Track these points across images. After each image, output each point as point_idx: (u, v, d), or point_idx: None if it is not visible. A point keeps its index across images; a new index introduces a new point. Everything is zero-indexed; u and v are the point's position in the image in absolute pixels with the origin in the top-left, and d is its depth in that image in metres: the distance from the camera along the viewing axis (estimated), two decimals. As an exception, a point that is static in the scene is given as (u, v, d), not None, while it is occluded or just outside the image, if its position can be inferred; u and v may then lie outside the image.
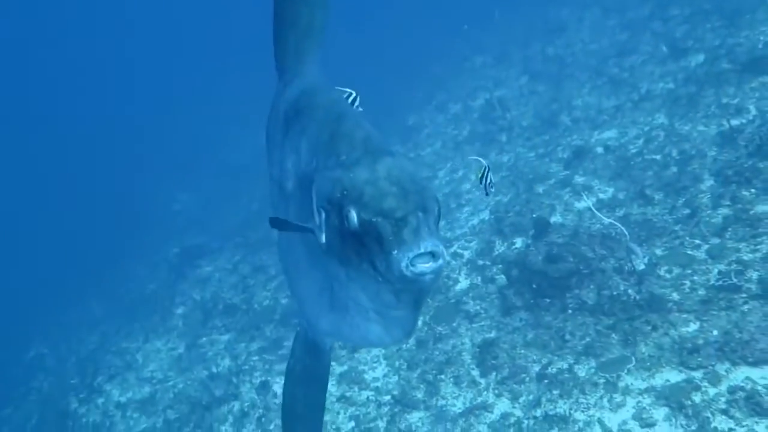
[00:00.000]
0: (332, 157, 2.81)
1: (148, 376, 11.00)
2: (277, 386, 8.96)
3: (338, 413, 7.85)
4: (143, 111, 32.47)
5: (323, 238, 2.77)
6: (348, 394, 8.00)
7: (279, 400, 8.60)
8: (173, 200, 22.03)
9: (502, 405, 6.77)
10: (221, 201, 19.56)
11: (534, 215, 9.24)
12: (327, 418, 7.82)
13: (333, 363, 8.82)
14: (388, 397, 7.65)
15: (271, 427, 8.20)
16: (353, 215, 2.52)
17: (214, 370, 10.02)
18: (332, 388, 8.39)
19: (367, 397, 7.86)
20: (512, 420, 6.51)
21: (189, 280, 14.32)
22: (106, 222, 20.77)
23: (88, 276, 17.87)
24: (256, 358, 9.92)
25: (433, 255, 2.42)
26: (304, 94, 3.46)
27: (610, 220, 7.49)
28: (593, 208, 8.15)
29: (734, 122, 8.90)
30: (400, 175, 2.59)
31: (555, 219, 9.07)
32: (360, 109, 3.37)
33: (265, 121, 4.05)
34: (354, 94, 3.43)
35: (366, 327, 2.99)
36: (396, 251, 2.42)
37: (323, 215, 2.75)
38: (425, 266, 2.41)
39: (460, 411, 6.96)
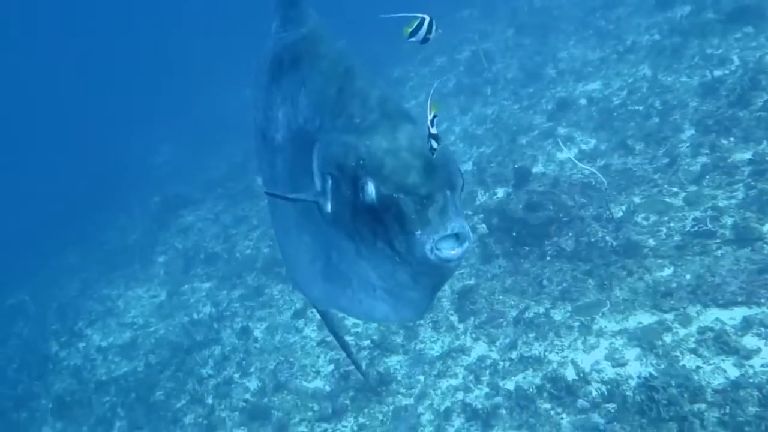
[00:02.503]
0: (342, 118, 2.53)
1: (129, 321, 11.04)
2: (258, 332, 9.05)
3: (318, 357, 7.95)
4: (129, 63, 31.80)
5: (329, 207, 2.53)
6: (329, 338, 8.09)
7: (259, 345, 8.72)
8: (155, 152, 21.78)
9: (479, 348, 6.89)
10: (204, 152, 19.38)
11: (516, 165, 9.25)
12: (306, 361, 7.94)
13: (314, 309, 8.92)
14: (367, 342, 7.75)
15: (251, 370, 8.30)
16: (371, 188, 2.26)
17: (196, 316, 10.07)
18: (312, 333, 8.50)
19: (347, 341, 7.95)
20: (488, 362, 6.64)
21: (170, 229, 14.27)
22: (87, 173, 20.56)
23: (69, 226, 17.75)
24: (237, 304, 9.97)
25: (457, 237, 2.20)
26: (305, 40, 3.08)
27: (592, 169, 7.50)
28: (572, 158, 8.16)
29: (717, 73, 8.91)
30: (424, 145, 2.27)
31: (537, 169, 9.10)
32: (440, 31, 2.79)
33: (253, 62, 3.72)
34: (429, 19, 2.83)
35: (371, 304, 2.72)
36: (419, 232, 2.19)
37: (330, 182, 2.49)
38: (451, 253, 2.18)
39: (437, 354, 7.08)
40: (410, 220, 2.20)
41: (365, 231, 2.39)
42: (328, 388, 7.36)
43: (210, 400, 8.10)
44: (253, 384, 8.05)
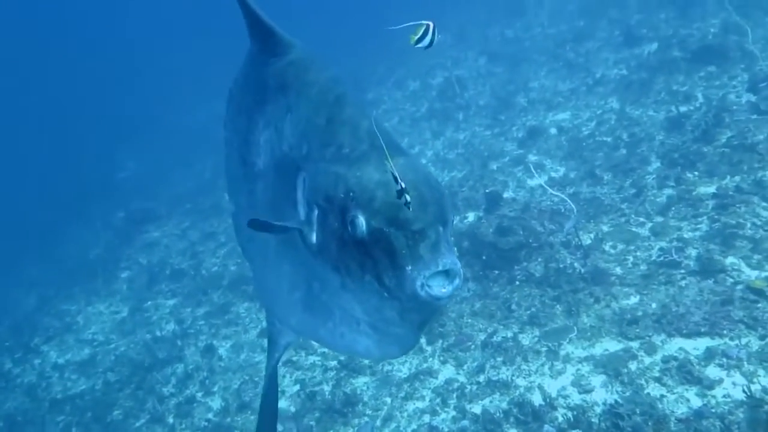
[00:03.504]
0: (331, 147, 2.46)
1: (88, 338, 10.73)
2: (223, 350, 8.89)
3: (284, 377, 7.83)
4: (95, 75, 31.33)
5: (314, 238, 2.47)
6: (295, 358, 7.99)
7: (224, 363, 8.56)
8: (120, 166, 21.39)
9: (447, 371, 6.88)
10: (171, 167, 19.14)
11: (487, 190, 9.35)
12: (272, 381, 7.80)
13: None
14: (334, 362, 7.67)
15: (215, 389, 8.12)
16: (361, 222, 2.22)
17: (159, 333, 9.85)
18: (279, 353, 8.36)
19: (314, 362, 7.87)
20: (456, 385, 6.62)
21: (135, 244, 14.00)
22: (48, 185, 20.08)
23: (27, 241, 17.22)
24: (202, 322, 9.79)
25: (448, 273, 2.16)
26: (293, 65, 2.96)
27: (562, 196, 7.63)
28: (544, 184, 8.29)
29: (682, 108, 9.19)
30: (415, 179, 2.23)
31: (507, 195, 9.22)
32: (439, 36, 2.73)
33: (231, 82, 3.57)
34: (432, 26, 2.93)
35: (353, 338, 2.66)
36: (410, 267, 2.14)
37: (317, 212, 2.43)
38: (442, 291, 2.14)
39: (405, 376, 7.04)
40: (401, 255, 2.16)
41: (352, 264, 2.33)
42: (293, 409, 7.24)
43: (171, 420, 7.89)
44: (216, 403, 7.87)
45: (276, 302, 3.21)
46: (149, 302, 11.17)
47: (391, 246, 2.18)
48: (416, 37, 2.59)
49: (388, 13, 23.58)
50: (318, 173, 2.47)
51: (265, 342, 8.59)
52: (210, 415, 7.72)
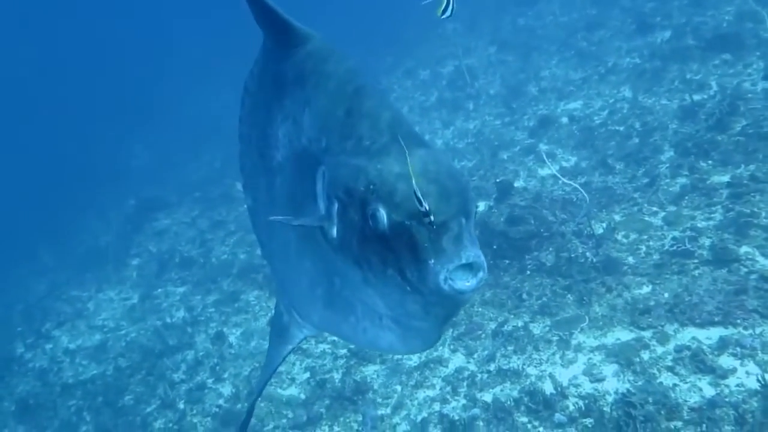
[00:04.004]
0: (351, 140, 2.40)
1: (99, 324, 10.79)
2: (233, 337, 8.92)
3: (293, 364, 7.85)
4: (111, 63, 31.34)
5: (334, 232, 2.43)
6: (305, 346, 8.00)
7: (234, 351, 8.59)
8: (132, 154, 21.48)
9: (457, 360, 6.87)
10: (182, 157, 19.19)
11: (498, 180, 9.30)
12: (282, 368, 7.82)
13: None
14: (344, 351, 7.68)
15: (225, 375, 8.16)
16: (382, 215, 2.16)
17: (169, 320, 9.90)
18: (289, 340, 8.39)
19: (323, 350, 7.88)
20: (466, 374, 6.62)
21: (145, 232, 14.06)
22: (61, 173, 20.17)
23: (40, 228, 17.32)
24: (212, 309, 9.83)
25: (471, 266, 2.09)
26: (311, 57, 2.89)
27: (575, 185, 7.58)
28: (556, 172, 8.24)
29: (696, 97, 9.09)
30: (438, 170, 2.19)
31: (518, 184, 9.16)
32: (455, 6, 2.65)
33: (246, 76, 3.49)
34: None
35: (376, 333, 2.60)
36: (433, 261, 2.08)
37: (337, 206, 2.38)
38: (466, 284, 2.07)
39: (415, 365, 7.04)
40: (423, 248, 2.10)
41: (374, 258, 2.28)
42: (303, 396, 7.27)
43: (181, 405, 7.94)
44: (226, 390, 7.91)
45: (297, 298, 3.16)
46: (159, 290, 11.22)
47: (412, 239, 2.12)
48: (441, 9, 2.61)
49: (398, 3, 23.50)
50: (338, 166, 2.41)
51: (276, 329, 8.66)
52: (221, 402, 7.77)
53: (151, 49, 31.32)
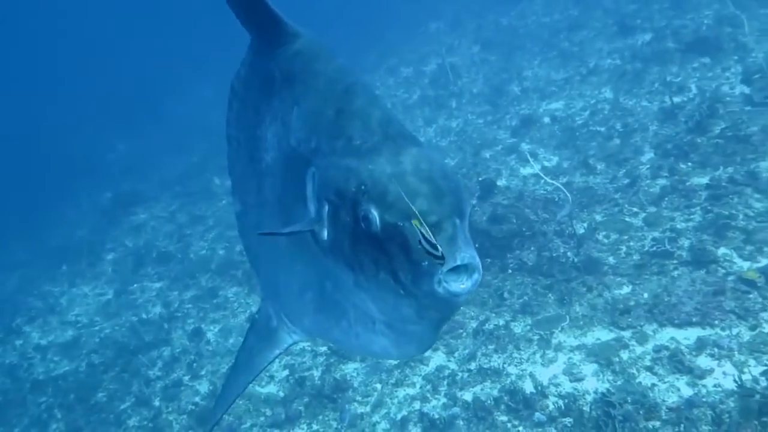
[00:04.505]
0: (341, 140, 2.34)
1: (72, 320, 10.60)
2: (211, 334, 8.81)
3: (272, 362, 7.76)
4: (90, 56, 30.85)
5: (325, 235, 2.36)
6: (283, 343, 7.91)
7: (212, 347, 8.48)
8: (109, 147, 21.15)
9: (438, 358, 6.84)
10: (160, 151, 18.94)
11: (480, 178, 9.29)
12: (261, 365, 7.73)
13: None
14: (324, 348, 7.62)
15: (203, 372, 8.05)
16: (374, 216, 2.10)
17: (145, 316, 9.74)
18: (267, 337, 8.29)
19: (303, 348, 7.80)
20: (447, 372, 6.60)
21: (122, 226, 13.84)
22: (35, 166, 19.79)
23: (11, 221, 16.98)
24: (189, 305, 9.70)
25: (466, 268, 2.03)
26: (300, 56, 2.82)
27: (558, 184, 7.59)
28: (539, 171, 8.25)
29: (676, 99, 9.17)
30: (430, 170, 2.13)
31: (500, 183, 9.16)
32: None
33: (233, 77, 3.38)
34: None
35: (369, 338, 2.56)
36: (426, 263, 2.03)
37: (327, 208, 2.32)
38: (461, 287, 2.02)
39: (395, 363, 6.99)
40: (416, 250, 2.03)
41: (366, 261, 2.22)
42: (282, 394, 7.19)
43: (157, 403, 7.81)
44: (203, 387, 7.80)
45: (287, 303, 3.09)
46: (135, 285, 11.05)
47: (405, 241, 2.06)
48: None
49: (382, 2, 23.48)
50: (328, 167, 2.35)
51: (254, 326, 8.56)
52: (197, 399, 7.66)
53: (133, 45, 30.89)
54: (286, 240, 2.76)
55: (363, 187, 2.15)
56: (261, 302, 3.54)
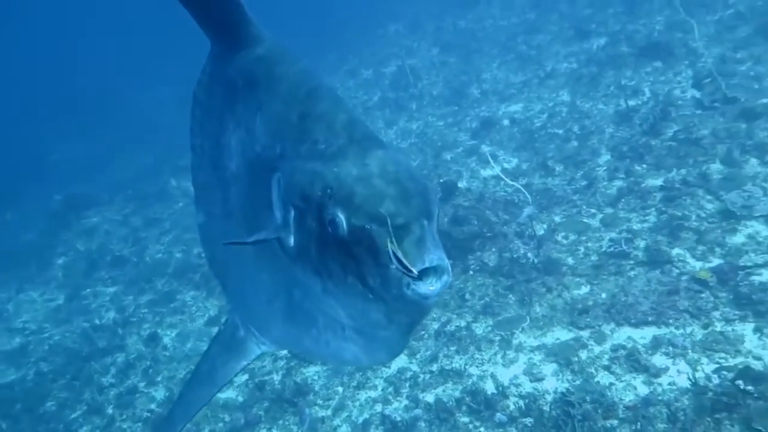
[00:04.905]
0: (305, 144, 2.30)
1: (19, 326, 10.21)
2: (168, 339, 8.60)
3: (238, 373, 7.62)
4: (38, 55, 29.90)
5: (292, 241, 2.32)
6: (242, 348, 7.78)
7: (169, 353, 8.28)
8: (56, 149, 20.54)
9: (400, 360, 6.80)
10: (110, 152, 18.48)
11: (441, 180, 9.32)
12: (219, 371, 7.59)
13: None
14: (284, 352, 7.51)
15: (159, 378, 7.85)
16: (341, 220, 2.06)
17: (98, 321, 9.45)
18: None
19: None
20: (408, 374, 6.57)
21: (73, 230, 13.41)
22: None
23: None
24: (145, 310, 9.45)
25: (435, 270, 2.00)
26: (262, 61, 2.77)
27: (518, 185, 7.66)
28: (500, 173, 8.32)
29: (631, 102, 9.38)
30: (397, 171, 2.10)
31: (462, 185, 9.21)
32: None
33: (195, 85, 3.31)
34: None
35: (339, 345, 2.53)
36: (395, 265, 1.99)
37: (293, 214, 2.28)
38: (430, 289, 1.98)
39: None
40: (384, 252, 1.99)
41: (334, 266, 2.18)
42: (241, 399, 7.06)
43: (110, 411, 7.59)
44: (159, 393, 7.61)
45: (255, 313, 3.02)
46: (88, 290, 10.73)
47: (373, 244, 2.02)
48: None
49: (341, 3, 23.41)
50: (293, 172, 2.30)
51: (214, 330, 8.40)
52: (153, 406, 7.46)
53: (80, 46, 30.08)
54: (253, 249, 2.68)
55: (329, 191, 2.11)
56: (228, 314, 3.45)
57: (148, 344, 8.58)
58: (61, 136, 20.80)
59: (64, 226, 13.66)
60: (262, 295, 2.80)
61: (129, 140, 18.78)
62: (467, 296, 7.10)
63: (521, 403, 5.67)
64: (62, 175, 17.74)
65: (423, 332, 6.96)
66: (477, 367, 6.30)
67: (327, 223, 2.11)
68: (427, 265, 1.96)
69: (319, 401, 6.67)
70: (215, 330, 8.37)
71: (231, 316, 3.38)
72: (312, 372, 7.09)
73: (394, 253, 1.91)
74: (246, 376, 7.36)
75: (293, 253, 2.34)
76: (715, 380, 5.07)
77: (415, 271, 1.92)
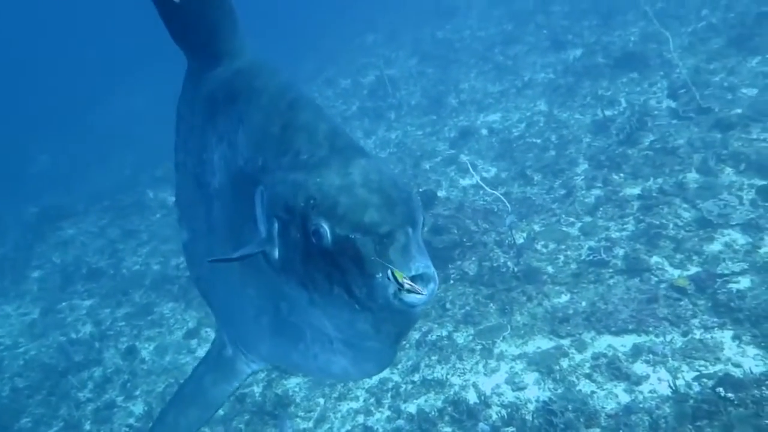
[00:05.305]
0: (287, 155, 2.30)
1: (-7, 342, 9.99)
2: (146, 352, 8.47)
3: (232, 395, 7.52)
4: (11, 69, 29.45)
5: (276, 254, 2.31)
6: (222, 360, 7.69)
7: (147, 366, 8.16)
8: (32, 160, 20.22)
9: (381, 371, 6.78)
10: (88, 164, 18.26)
11: (421, 190, 9.34)
12: (199, 384, 7.49)
13: (208, 329, 8.50)
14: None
15: (137, 392, 7.72)
16: (325, 230, 2.06)
17: (74, 335, 9.28)
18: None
19: (243, 364, 7.60)
20: (390, 385, 6.55)
21: (48, 242, 13.19)
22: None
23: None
24: (122, 323, 9.30)
25: (422, 278, 2.00)
26: (241, 74, 2.78)
27: (498, 194, 7.71)
28: (480, 181, 8.36)
29: (607, 112, 9.50)
30: (380, 180, 2.11)
31: (441, 194, 9.24)
32: None
33: (177, 101, 3.33)
34: None
35: (327, 358, 2.51)
36: (380, 275, 1.99)
37: (277, 226, 2.27)
38: (417, 297, 1.97)
39: (338, 377, 6.90)
40: (370, 262, 2.00)
41: (319, 277, 2.18)
42: (221, 412, 6.95)
43: (87, 426, 7.44)
44: (138, 408, 7.48)
45: (242, 330, 2.98)
46: (63, 303, 10.53)
47: (358, 253, 2.02)
48: None
49: (318, 11, 23.44)
50: (276, 184, 2.30)
51: (193, 343, 8.31)
52: (131, 421, 7.33)
53: (56, 55, 29.73)
54: (238, 265, 2.66)
55: (312, 201, 2.11)
56: (216, 333, 3.39)
57: (126, 358, 8.44)
58: (40, 146, 20.50)
59: (39, 238, 13.43)
60: (249, 311, 2.78)
61: (104, 151, 18.58)
62: (448, 305, 7.11)
63: (504, 412, 5.68)
64: (37, 187, 17.48)
65: (404, 342, 6.94)
66: (459, 376, 6.29)
67: (311, 234, 2.11)
68: (413, 273, 1.97)
69: (301, 413, 6.62)
70: (194, 342, 8.34)
71: (218, 335, 3.33)
72: (293, 384, 7.03)
73: (391, 272, 1.92)
74: (226, 390, 7.26)
75: (278, 266, 2.33)
76: (696, 388, 5.12)
77: (421, 290, 1.94)
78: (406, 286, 1.92)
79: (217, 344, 3.32)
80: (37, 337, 9.75)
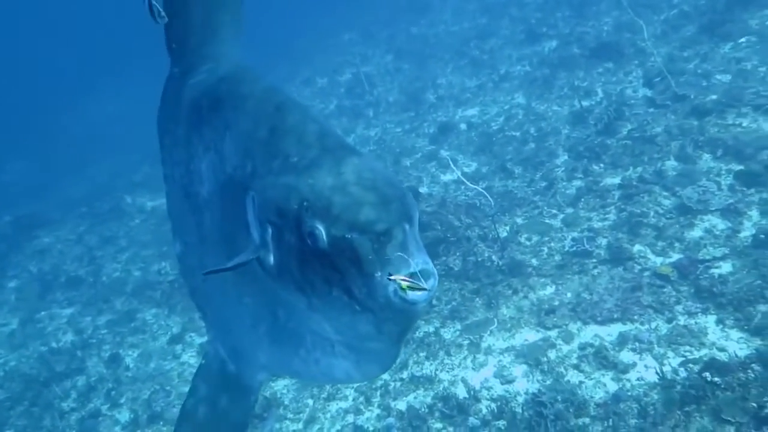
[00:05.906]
0: (277, 159, 2.25)
1: (-29, 355, 9.78)
2: (130, 359, 8.35)
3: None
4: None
5: (271, 260, 2.26)
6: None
7: (131, 373, 8.05)
8: (2, 169, 19.85)
9: (369, 369, 6.76)
10: (61, 170, 17.96)
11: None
12: (185, 388, 7.37)
13: (193, 334, 8.41)
14: (251, 367, 7.38)
15: (122, 400, 7.60)
16: (320, 232, 2.02)
17: (55, 345, 9.12)
18: (191, 359, 7.98)
19: (229, 368, 7.53)
20: (379, 383, 6.52)
21: (24, 251, 12.93)
22: None
23: None
24: (105, 331, 9.16)
25: (421, 275, 1.98)
26: (225, 81, 2.73)
27: (480, 189, 7.71)
28: (461, 176, 8.36)
29: (584, 103, 9.56)
30: (374, 178, 2.08)
31: (423, 190, 9.23)
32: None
33: (158, 113, 3.27)
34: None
35: (329, 362, 2.47)
36: (379, 273, 1.96)
37: (270, 231, 2.23)
38: (417, 293, 1.96)
39: (328, 377, 6.86)
40: (368, 261, 1.97)
41: (317, 280, 2.14)
42: (209, 418, 6.89)
43: (72, 437, 7.33)
44: (124, 416, 7.37)
45: (241, 341, 2.91)
46: (43, 312, 10.33)
47: (355, 253, 1.99)
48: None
49: (289, 13, 23.28)
50: (267, 188, 2.26)
51: (178, 348, 8.21)
52: (117, 429, 7.23)
53: (28, 59, 29.19)
54: (233, 274, 2.60)
55: (305, 203, 2.06)
56: (208, 346, 3.30)
57: (110, 366, 8.31)
58: (10, 154, 20.11)
59: (14, 248, 13.15)
60: (247, 320, 2.72)
61: (77, 157, 18.32)
62: (434, 301, 7.09)
63: (493, 406, 5.69)
64: (10, 195, 17.14)
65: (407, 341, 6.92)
66: (447, 372, 6.29)
67: (306, 237, 2.07)
68: (412, 269, 1.95)
69: (290, 415, 6.57)
70: (179, 348, 8.23)
71: (212, 349, 3.23)
72: (281, 386, 6.99)
73: (390, 275, 1.91)
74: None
75: (274, 272, 2.28)
76: (683, 373, 5.18)
77: (423, 286, 1.92)
78: (407, 283, 1.90)
79: (214, 362, 3.20)
80: (17, 348, 9.56)
